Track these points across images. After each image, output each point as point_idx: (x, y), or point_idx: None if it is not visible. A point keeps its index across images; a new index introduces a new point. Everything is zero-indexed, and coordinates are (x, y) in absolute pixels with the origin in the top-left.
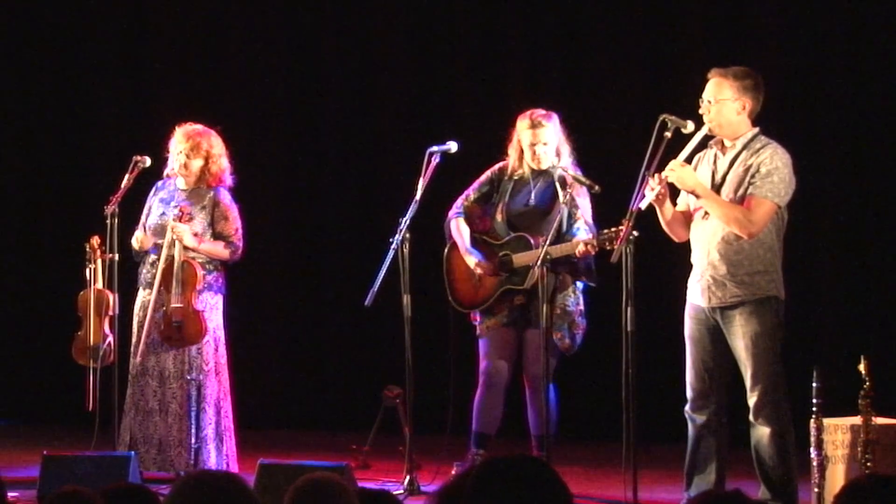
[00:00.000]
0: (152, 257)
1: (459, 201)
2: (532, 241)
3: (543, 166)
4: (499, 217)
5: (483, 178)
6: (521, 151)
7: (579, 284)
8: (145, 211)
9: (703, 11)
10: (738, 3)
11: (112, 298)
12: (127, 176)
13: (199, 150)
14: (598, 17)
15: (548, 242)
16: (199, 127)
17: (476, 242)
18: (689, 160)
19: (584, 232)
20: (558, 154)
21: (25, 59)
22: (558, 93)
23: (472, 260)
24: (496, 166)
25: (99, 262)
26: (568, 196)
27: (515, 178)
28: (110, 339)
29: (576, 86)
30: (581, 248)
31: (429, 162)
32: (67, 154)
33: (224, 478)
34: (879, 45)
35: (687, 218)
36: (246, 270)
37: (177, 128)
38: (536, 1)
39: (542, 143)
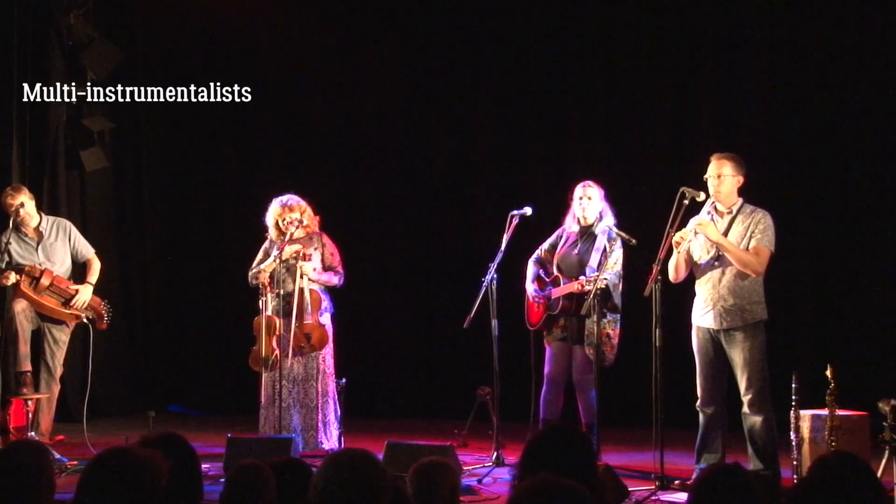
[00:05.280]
0: (277, 295)
1: (537, 251)
2: (563, 280)
3: (586, 215)
4: (555, 263)
5: (552, 235)
6: (574, 213)
7: (608, 313)
8: (266, 260)
9: (711, 115)
10: (735, 106)
11: (278, 322)
12: (288, 235)
13: (297, 211)
14: (636, 115)
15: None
16: (284, 197)
17: (537, 280)
18: (684, 222)
19: (606, 275)
20: (602, 216)
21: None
22: (606, 171)
23: (530, 290)
24: (562, 227)
25: (269, 295)
26: (612, 247)
27: (568, 233)
28: (277, 352)
29: (618, 166)
30: (575, 286)
31: (510, 222)
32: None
33: (362, 454)
34: (838, 125)
35: (687, 263)
36: (378, 301)
37: (273, 203)
38: (591, 116)
39: (587, 196)
